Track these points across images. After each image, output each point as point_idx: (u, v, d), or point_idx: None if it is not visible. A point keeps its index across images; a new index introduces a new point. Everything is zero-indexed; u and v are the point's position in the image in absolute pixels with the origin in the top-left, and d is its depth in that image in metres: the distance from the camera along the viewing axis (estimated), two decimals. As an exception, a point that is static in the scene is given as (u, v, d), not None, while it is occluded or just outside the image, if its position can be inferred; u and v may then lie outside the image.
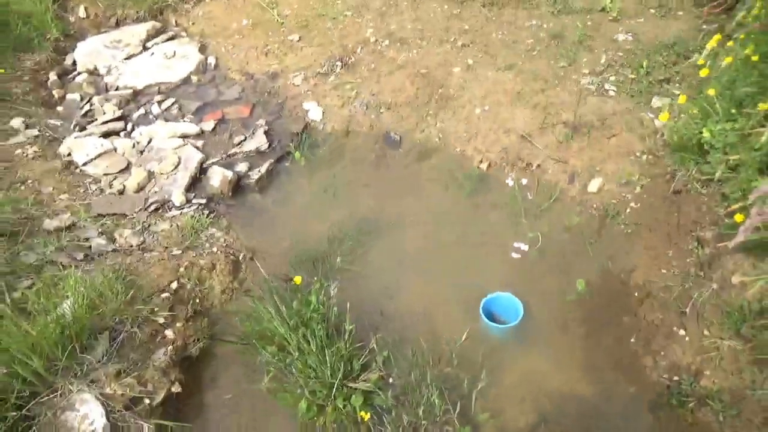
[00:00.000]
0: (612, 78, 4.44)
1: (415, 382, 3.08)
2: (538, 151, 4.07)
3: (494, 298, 3.36)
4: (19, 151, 4.79)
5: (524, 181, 3.88)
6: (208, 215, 4.25)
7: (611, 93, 4.30)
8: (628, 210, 3.57)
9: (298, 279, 3.22)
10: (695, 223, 3.17)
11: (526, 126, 4.23)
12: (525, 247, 3.61)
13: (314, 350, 3.01)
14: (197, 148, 4.81)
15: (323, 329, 3.11)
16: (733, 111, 3.03)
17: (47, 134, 5.09)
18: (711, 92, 3.17)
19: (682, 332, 2.93)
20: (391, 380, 3.13)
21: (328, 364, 2.99)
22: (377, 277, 3.73)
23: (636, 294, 3.22)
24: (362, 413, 2.84)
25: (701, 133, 3.15)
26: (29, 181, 4.45)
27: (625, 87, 4.28)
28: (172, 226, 4.13)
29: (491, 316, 3.43)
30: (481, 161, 4.27)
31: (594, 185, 3.76)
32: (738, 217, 2.56)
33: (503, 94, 4.52)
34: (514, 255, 3.60)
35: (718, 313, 2.83)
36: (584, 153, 3.93)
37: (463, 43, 5.17)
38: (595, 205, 3.73)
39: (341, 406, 2.95)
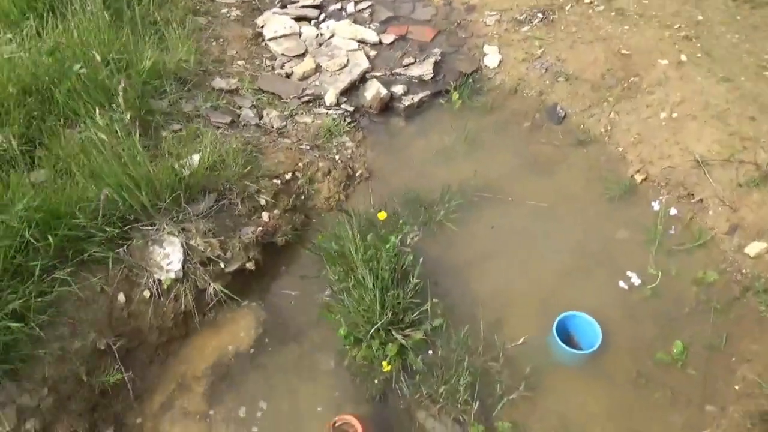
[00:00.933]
0: None
1: (454, 361, 2.99)
2: (708, 185, 3.45)
3: (575, 316, 3.06)
4: (224, 10, 5.26)
5: (674, 211, 3.34)
6: (348, 123, 4.35)
7: (839, 150, 3.42)
8: (779, 292, 2.93)
9: (382, 215, 3.21)
10: None
11: (709, 152, 3.58)
12: (638, 281, 3.18)
13: (372, 286, 3.03)
14: (368, 57, 4.85)
15: (389, 271, 3.10)
16: None
17: (254, 3, 5.49)
18: None
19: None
20: (431, 349, 3.06)
21: (380, 305, 3.01)
22: (469, 245, 3.59)
23: (736, 388, 2.71)
24: (385, 363, 2.85)
25: None
26: (221, 40, 4.89)
27: None
28: (313, 121, 4.31)
29: (565, 334, 3.16)
30: (638, 171, 3.75)
31: (754, 248, 3.12)
32: None
33: (702, 107, 3.83)
34: (622, 284, 3.20)
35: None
36: (762, 208, 3.24)
37: (686, 34, 4.42)
38: (743, 271, 3.12)
39: (374, 348, 2.99)
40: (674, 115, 3.88)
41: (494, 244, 3.59)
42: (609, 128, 4.06)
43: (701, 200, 3.46)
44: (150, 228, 3.12)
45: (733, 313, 2.99)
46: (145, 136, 3.58)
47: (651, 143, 3.81)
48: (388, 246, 3.12)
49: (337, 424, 2.87)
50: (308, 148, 4.04)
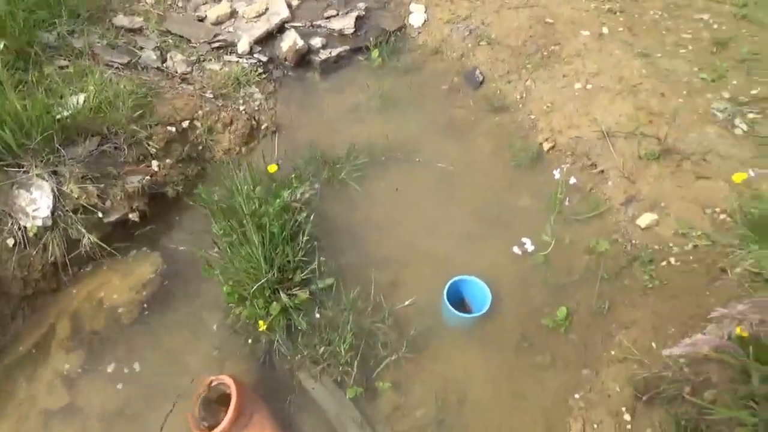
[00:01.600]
0: (752, 115, 3.58)
1: (340, 322, 2.90)
2: (610, 157, 3.45)
3: (467, 281, 3.02)
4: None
5: (573, 181, 3.33)
6: (260, 74, 4.13)
7: (738, 131, 3.48)
8: (663, 263, 2.97)
9: (272, 168, 3.05)
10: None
11: (616, 124, 3.58)
12: (531, 247, 3.17)
13: (259, 242, 2.89)
14: (290, 6, 4.61)
15: (279, 228, 2.96)
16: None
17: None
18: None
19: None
20: (320, 310, 2.96)
21: (266, 261, 2.88)
22: (371, 205, 3.49)
23: (612, 353, 2.74)
24: (261, 323, 2.73)
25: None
26: (130, -26, 4.50)
27: (762, 129, 3.44)
28: (222, 69, 4.06)
29: (459, 297, 3.13)
30: (547, 140, 3.73)
31: (645, 220, 3.15)
32: None
33: (616, 80, 3.82)
34: (515, 249, 3.18)
35: None
36: (659, 182, 3.27)
37: (611, 8, 4.40)
38: (633, 241, 3.15)
39: (259, 307, 2.86)
40: (588, 86, 3.86)
41: (396, 206, 3.50)
42: (524, 95, 4.00)
43: (602, 171, 3.46)
44: (17, 170, 2.85)
45: (619, 282, 3.01)
46: (25, 71, 3.27)
47: (562, 112, 3.78)
48: (277, 201, 2.97)
49: (213, 384, 2.74)
50: (212, 96, 3.81)
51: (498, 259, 3.22)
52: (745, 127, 3.49)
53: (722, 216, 3.05)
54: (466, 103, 4.07)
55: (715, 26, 4.23)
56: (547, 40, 4.22)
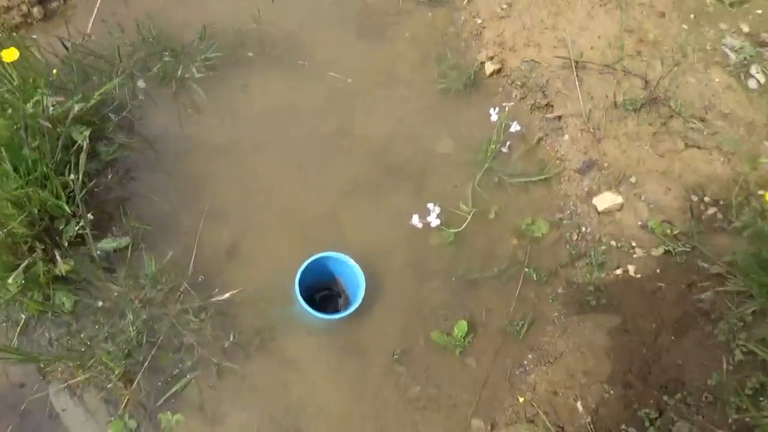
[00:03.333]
0: (773, 62, 2.55)
1: (128, 310, 1.88)
2: (574, 99, 2.40)
3: (338, 261, 2.03)
4: None
5: (516, 127, 2.25)
6: None
7: (752, 83, 2.46)
8: (618, 271, 2.05)
9: (9, 53, 1.81)
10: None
11: (591, 50, 2.49)
12: (436, 222, 2.16)
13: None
14: None
15: (42, 150, 1.82)
16: None
17: None
18: None
19: None
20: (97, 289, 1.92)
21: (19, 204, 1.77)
22: (219, 122, 2.37)
23: (520, 400, 1.87)
24: None
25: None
26: None
27: (781, 87, 2.44)
28: None
29: (328, 277, 2.16)
30: (491, 58, 2.60)
31: (605, 201, 2.19)
32: None
33: (602, -15, 2.66)
34: (416, 221, 2.17)
35: None
36: (633, 145, 2.28)
37: None
38: (584, 229, 2.20)
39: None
40: (563, -11, 2.69)
41: (258, 130, 2.39)
42: (473, -5, 2.79)
43: (559, 117, 2.42)
44: None
45: (550, 289, 2.10)
46: None
47: (521, 21, 2.63)
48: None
49: None
50: None
51: (390, 230, 2.22)
52: (762, 78, 2.48)
53: (712, 210, 2.11)
54: (388, 3, 2.81)
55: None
56: None
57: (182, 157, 2.26)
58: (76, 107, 1.84)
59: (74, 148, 1.94)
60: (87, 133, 1.94)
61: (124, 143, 2.19)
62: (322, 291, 2.24)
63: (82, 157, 1.82)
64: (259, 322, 2.00)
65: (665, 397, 1.76)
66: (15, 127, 1.72)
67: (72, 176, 1.82)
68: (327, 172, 2.33)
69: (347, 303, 2.20)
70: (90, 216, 1.79)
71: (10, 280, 1.78)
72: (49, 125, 1.79)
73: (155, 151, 2.25)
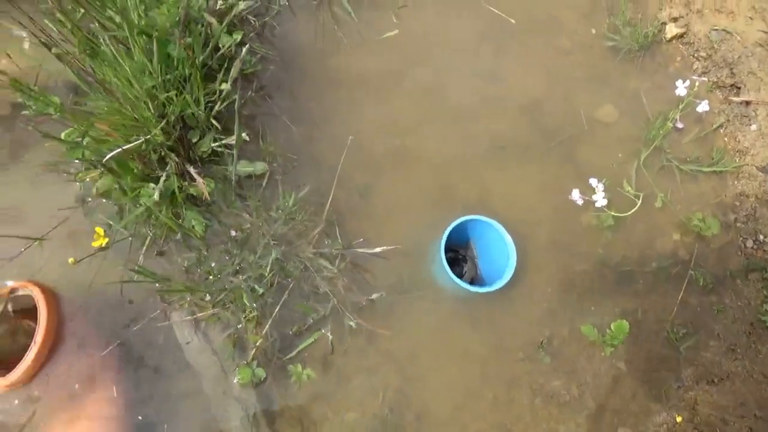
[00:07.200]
0: None
1: (259, 246, 1.68)
2: (771, 84, 2.08)
3: (485, 226, 1.80)
4: None
5: (704, 107, 1.95)
6: None
7: None
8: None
9: None
10: None
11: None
12: (603, 201, 1.91)
13: (143, 63, 1.50)
14: None
15: (182, 48, 1.56)
16: None
17: None
18: None
19: None
20: (229, 216, 1.71)
21: (155, 107, 1.53)
22: (366, 49, 2.07)
23: (678, 420, 1.69)
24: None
25: None
26: None
27: None
28: None
29: (461, 241, 1.95)
30: (675, 20, 2.26)
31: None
32: None
33: None
34: (576, 196, 1.92)
35: None
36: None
37: None
38: (762, 237, 1.95)
39: (124, 183, 1.58)
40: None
41: (401, 58, 2.10)
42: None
43: (748, 103, 2.10)
44: None
45: (716, 298, 1.87)
46: None
47: (716, -20, 2.26)
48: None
49: (16, 294, 1.57)
50: None
51: (538, 200, 1.97)
52: None
53: None
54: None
55: None
56: None
57: (321, 79, 1.99)
58: (242, 4, 1.56)
59: (217, 54, 1.68)
60: (238, 37, 1.67)
61: (264, 55, 1.92)
62: (448, 253, 2.03)
63: (237, 63, 1.56)
64: (393, 280, 1.81)
65: None
66: (177, 19, 1.45)
67: (224, 85, 1.57)
68: (474, 122, 2.07)
69: (474, 270, 2.00)
70: (245, 135, 1.56)
71: (148, 191, 1.57)
72: (215, 21, 1.52)
73: (293, 68, 1.97)
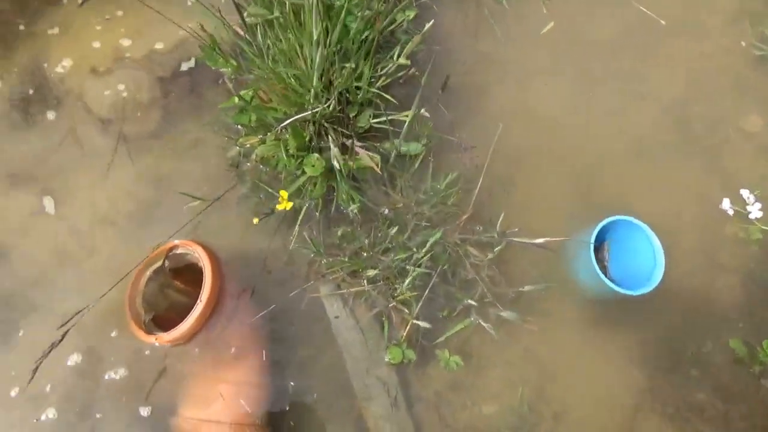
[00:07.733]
0: None
1: (410, 224, 1.66)
2: None
3: (630, 227, 1.75)
4: None
5: None
6: None
7: None
8: None
9: None
10: None
11: None
12: (757, 211, 1.84)
13: (318, 35, 1.49)
14: None
15: (362, 22, 1.54)
16: None
17: None
18: None
19: None
20: (384, 191, 1.69)
21: (322, 76, 1.52)
22: (526, 46, 2.03)
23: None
24: (284, 194, 1.45)
25: None
26: None
27: None
28: None
29: (597, 241, 1.89)
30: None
31: None
32: None
33: None
34: (726, 206, 1.85)
35: None
36: None
37: None
38: None
39: (286, 150, 1.57)
40: None
41: (545, 48, 2.06)
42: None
43: None
44: None
45: None
46: None
47: None
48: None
49: (175, 251, 1.58)
50: None
51: (682, 206, 1.91)
52: None
53: None
54: None
55: None
56: None
57: (467, 64, 1.96)
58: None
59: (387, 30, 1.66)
60: (412, 14, 1.65)
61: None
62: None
63: (416, 38, 1.54)
64: (536, 273, 1.77)
65: None
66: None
67: (401, 59, 1.55)
68: (617, 120, 2.01)
69: (604, 273, 1.94)
70: (424, 111, 1.53)
71: (306, 163, 1.56)
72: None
73: (445, 53, 1.95)
